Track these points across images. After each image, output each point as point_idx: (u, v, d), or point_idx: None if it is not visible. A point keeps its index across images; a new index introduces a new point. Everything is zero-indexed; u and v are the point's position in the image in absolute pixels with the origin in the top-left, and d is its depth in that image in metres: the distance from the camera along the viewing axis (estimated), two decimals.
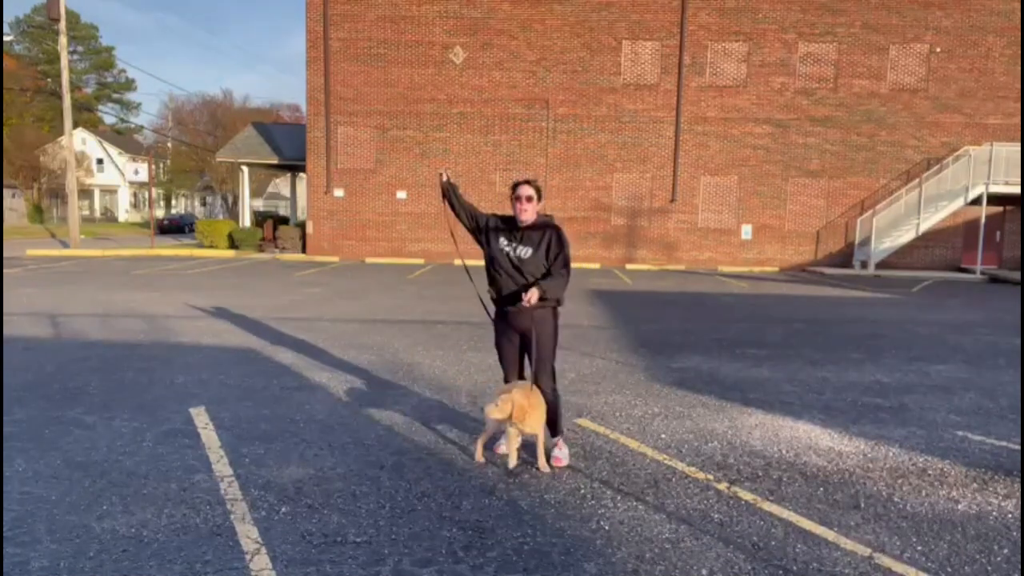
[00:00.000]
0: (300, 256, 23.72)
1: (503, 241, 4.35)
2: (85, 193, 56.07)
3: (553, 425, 4.44)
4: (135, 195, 64.40)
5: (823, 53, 22.66)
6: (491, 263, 4.38)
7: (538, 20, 22.84)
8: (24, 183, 49.00)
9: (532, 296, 4.10)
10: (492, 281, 4.41)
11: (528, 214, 4.31)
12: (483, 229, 4.44)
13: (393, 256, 23.78)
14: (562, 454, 4.44)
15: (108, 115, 72.17)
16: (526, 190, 4.29)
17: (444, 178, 4.49)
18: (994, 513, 3.84)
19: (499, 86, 23.14)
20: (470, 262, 5.42)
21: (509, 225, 4.39)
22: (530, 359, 4.39)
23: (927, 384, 6.86)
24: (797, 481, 4.23)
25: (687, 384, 6.63)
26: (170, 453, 4.46)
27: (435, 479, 4.12)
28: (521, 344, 4.46)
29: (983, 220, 21.49)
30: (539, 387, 4.29)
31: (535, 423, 4.17)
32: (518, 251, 4.31)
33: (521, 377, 4.56)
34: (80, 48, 68.78)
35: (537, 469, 4.27)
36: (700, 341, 9.00)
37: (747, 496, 3.97)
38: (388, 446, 4.68)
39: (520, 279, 4.28)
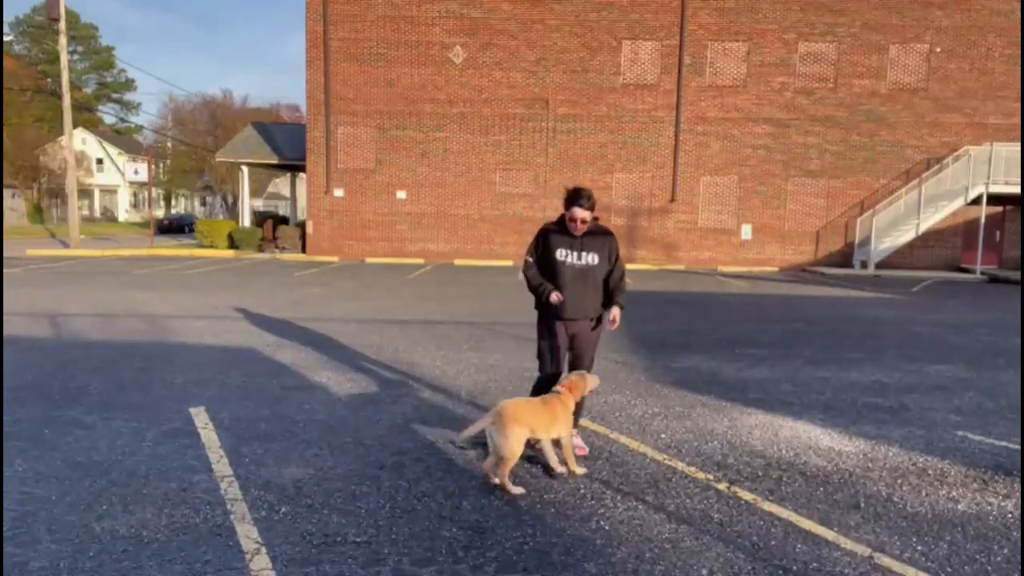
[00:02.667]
0: (300, 256, 23.72)
1: (562, 252, 4.45)
2: (85, 193, 56.06)
3: (578, 416, 4.65)
4: (135, 195, 64.40)
5: (823, 53, 22.65)
6: (553, 275, 4.47)
7: (538, 20, 22.84)
8: (24, 183, 48.99)
9: (617, 318, 4.48)
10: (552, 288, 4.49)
11: (580, 230, 4.43)
12: (542, 246, 4.53)
13: (393, 256, 23.78)
14: (581, 442, 4.72)
15: (108, 115, 72.25)
16: (580, 213, 4.35)
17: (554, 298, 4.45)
18: (994, 513, 3.84)
19: (499, 86, 23.14)
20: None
21: (564, 230, 4.48)
22: (577, 356, 4.63)
23: (927, 384, 6.86)
24: (797, 481, 4.23)
25: (687, 384, 6.62)
26: (170, 453, 4.46)
27: (435, 479, 4.12)
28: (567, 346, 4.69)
29: (983, 220, 21.48)
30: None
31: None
32: (583, 258, 4.44)
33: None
34: (80, 48, 68.78)
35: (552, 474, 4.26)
36: (700, 341, 9.00)
37: (747, 496, 3.97)
38: (388, 446, 4.68)
39: (584, 286, 4.45)
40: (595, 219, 4.50)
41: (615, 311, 4.48)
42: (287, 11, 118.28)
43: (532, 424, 4.02)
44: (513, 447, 3.90)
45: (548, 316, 4.55)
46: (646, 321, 10.73)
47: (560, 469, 4.24)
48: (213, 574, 3.01)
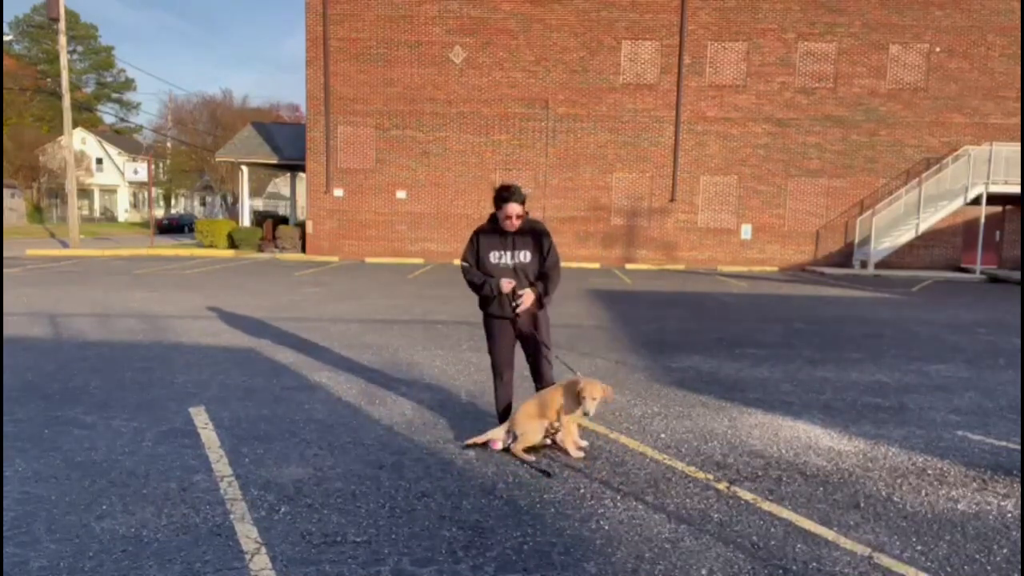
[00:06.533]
0: (300, 256, 23.72)
1: (495, 255, 4.49)
2: (85, 193, 56.09)
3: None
4: (135, 195, 64.39)
5: (823, 52, 22.65)
6: (488, 277, 4.52)
7: (538, 19, 22.84)
8: (24, 183, 49.00)
9: (527, 300, 4.44)
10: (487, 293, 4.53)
11: (515, 226, 4.46)
12: (476, 251, 4.56)
13: (393, 256, 23.78)
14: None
15: (108, 115, 72.22)
16: (514, 208, 4.37)
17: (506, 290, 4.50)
18: (993, 513, 3.84)
19: (499, 86, 23.13)
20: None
21: (495, 230, 4.51)
22: (529, 355, 4.70)
23: (927, 384, 6.86)
24: (797, 481, 4.23)
25: (687, 384, 6.62)
26: (170, 453, 4.46)
27: (435, 479, 4.12)
28: (513, 343, 4.75)
29: (983, 220, 21.49)
30: (544, 376, 4.64)
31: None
32: (516, 257, 4.47)
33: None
34: (80, 48, 68.78)
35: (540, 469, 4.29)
36: (700, 341, 9.00)
37: (747, 496, 3.97)
38: (388, 446, 4.68)
39: (522, 283, 4.51)
40: (527, 214, 4.51)
41: (528, 290, 4.46)
42: (287, 11, 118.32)
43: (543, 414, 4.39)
44: (531, 434, 4.37)
45: (493, 316, 4.60)
46: (646, 321, 10.73)
47: (578, 454, 4.47)
48: (213, 574, 3.01)
